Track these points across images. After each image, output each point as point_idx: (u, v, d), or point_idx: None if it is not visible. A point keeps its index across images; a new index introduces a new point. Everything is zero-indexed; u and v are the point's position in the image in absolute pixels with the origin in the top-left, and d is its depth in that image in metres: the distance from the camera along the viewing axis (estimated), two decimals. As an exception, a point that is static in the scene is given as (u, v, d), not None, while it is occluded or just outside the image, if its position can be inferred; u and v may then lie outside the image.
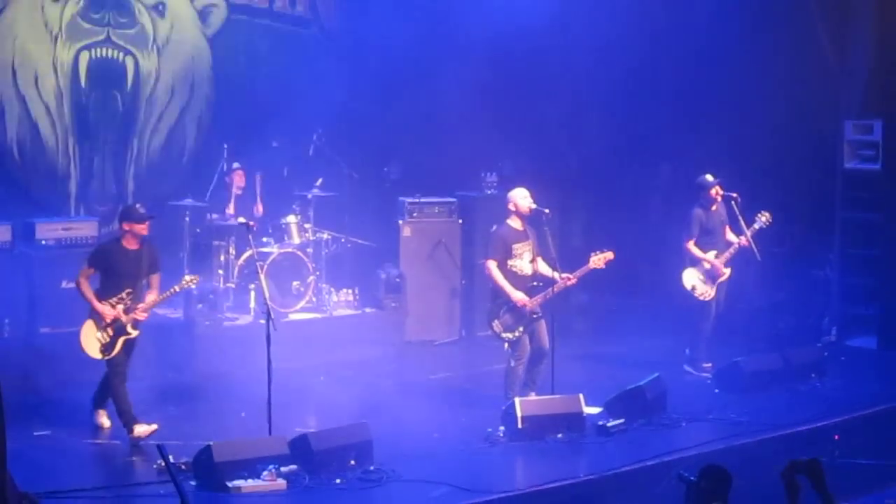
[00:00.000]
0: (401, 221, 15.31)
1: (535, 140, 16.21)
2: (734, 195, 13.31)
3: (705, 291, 13.38)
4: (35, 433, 10.91)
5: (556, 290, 11.57)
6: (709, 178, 13.38)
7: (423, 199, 15.39)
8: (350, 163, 15.30)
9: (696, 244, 13.37)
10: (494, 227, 12.24)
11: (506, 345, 11.77)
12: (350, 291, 14.81)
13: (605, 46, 15.47)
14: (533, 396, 11.51)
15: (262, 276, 11.29)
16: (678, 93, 15.89)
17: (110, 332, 10.86)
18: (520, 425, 10.86)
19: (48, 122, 14.20)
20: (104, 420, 11.22)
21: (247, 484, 9.42)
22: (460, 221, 15.52)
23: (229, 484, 9.41)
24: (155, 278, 11.06)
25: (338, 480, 9.68)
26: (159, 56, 14.87)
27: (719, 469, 6.82)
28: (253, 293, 13.72)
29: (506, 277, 11.61)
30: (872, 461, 10.70)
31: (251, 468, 9.53)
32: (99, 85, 14.53)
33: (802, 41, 15.46)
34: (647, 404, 11.51)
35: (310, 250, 14.35)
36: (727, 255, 13.36)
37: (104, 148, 14.64)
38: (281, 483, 9.51)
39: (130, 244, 10.91)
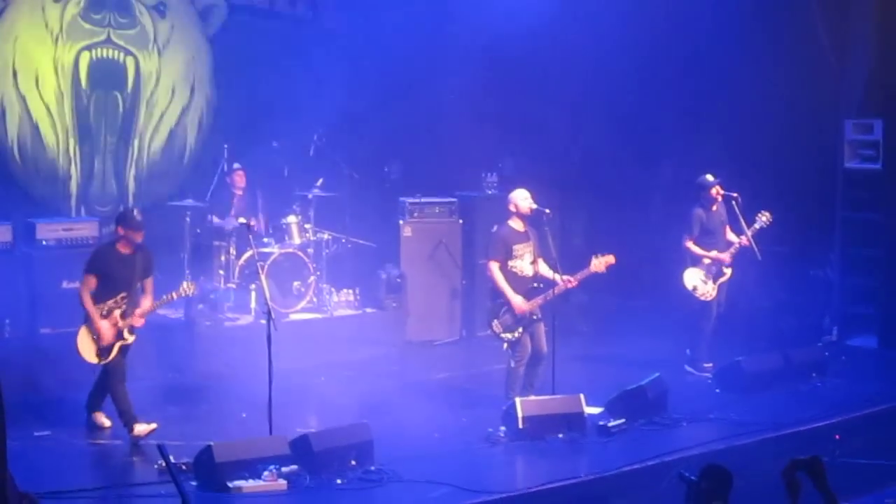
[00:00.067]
0: (401, 221, 15.31)
1: (536, 140, 16.21)
2: (735, 195, 13.31)
3: (706, 292, 13.38)
4: (36, 433, 10.91)
5: (556, 292, 11.57)
6: (709, 177, 13.38)
7: (423, 200, 15.40)
8: (351, 163, 15.30)
9: (697, 244, 13.37)
10: (495, 228, 12.24)
11: (504, 345, 11.77)
12: (351, 291, 14.82)
13: (605, 47, 15.47)
14: (533, 397, 11.50)
15: (262, 277, 11.31)
16: (679, 92, 15.88)
17: (114, 333, 10.89)
18: (521, 425, 10.86)
19: (49, 122, 14.21)
20: (104, 420, 11.23)
21: (248, 484, 9.42)
22: (461, 221, 15.52)
23: (230, 484, 9.40)
24: (149, 282, 11.11)
25: (339, 481, 9.68)
26: (160, 56, 14.88)
27: (720, 469, 6.82)
28: (254, 293, 13.72)
29: (506, 278, 11.61)
30: (873, 460, 10.70)
31: (252, 468, 9.53)
32: (100, 85, 14.53)
33: (803, 41, 15.45)
34: (648, 404, 11.51)
35: (310, 250, 14.35)
36: (728, 254, 13.36)
37: (105, 148, 14.64)
38: (282, 483, 9.51)
39: (125, 248, 10.95)
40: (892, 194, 15.05)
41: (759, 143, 15.52)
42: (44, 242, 13.12)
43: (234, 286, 13.97)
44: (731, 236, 13.49)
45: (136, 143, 14.83)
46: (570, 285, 11.70)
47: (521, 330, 11.63)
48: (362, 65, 15.84)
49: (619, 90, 15.92)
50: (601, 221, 16.45)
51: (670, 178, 15.82)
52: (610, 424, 11.13)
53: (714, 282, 13.39)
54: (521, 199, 11.74)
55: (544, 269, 11.77)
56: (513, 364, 11.76)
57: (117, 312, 10.89)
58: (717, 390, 12.84)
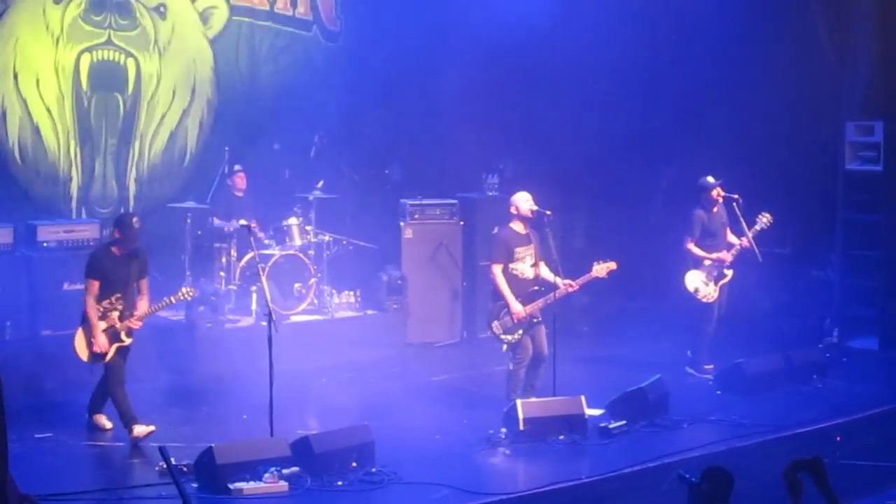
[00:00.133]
0: (402, 223, 15.31)
1: (537, 141, 16.22)
2: (735, 196, 13.31)
3: (708, 293, 13.38)
4: (37, 435, 10.90)
5: (557, 295, 11.57)
6: (710, 179, 13.38)
7: (424, 201, 15.40)
8: (351, 165, 15.31)
9: (698, 246, 13.37)
10: (496, 229, 12.25)
11: (504, 346, 11.78)
12: (351, 293, 14.82)
13: (606, 49, 15.48)
14: (534, 399, 11.50)
15: (263, 279, 11.31)
16: (680, 94, 15.89)
17: (108, 340, 10.91)
18: (521, 427, 10.86)
19: (49, 124, 14.20)
20: (105, 422, 11.23)
21: (248, 486, 9.42)
22: (462, 223, 15.52)
23: (231, 486, 9.40)
24: (144, 283, 11.15)
25: (340, 482, 9.68)
26: (161, 58, 14.86)
27: (721, 471, 6.82)
28: (254, 295, 13.71)
29: (508, 281, 11.61)
30: (874, 462, 10.71)
31: (253, 470, 9.53)
32: (100, 87, 14.51)
33: (804, 42, 15.47)
34: (649, 406, 11.51)
35: (311, 252, 14.34)
36: (730, 255, 13.37)
37: (106, 150, 14.62)
38: (283, 485, 9.50)
39: (120, 250, 10.96)
40: (893, 196, 15.05)
41: (760, 144, 15.52)
42: (44, 244, 13.12)
43: (234, 288, 13.96)
44: (731, 238, 13.50)
45: (136, 144, 14.81)
46: (570, 289, 11.70)
47: (521, 332, 11.63)
48: (363, 67, 15.85)
49: (620, 92, 15.93)
50: (602, 223, 16.45)
51: (671, 180, 15.82)
52: (611, 426, 11.13)
53: (715, 283, 13.38)
54: (523, 201, 11.74)
55: (545, 272, 11.77)
56: (513, 366, 11.76)
57: (114, 314, 10.91)
58: (718, 392, 12.84)
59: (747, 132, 15.61)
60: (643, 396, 11.52)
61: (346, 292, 14.78)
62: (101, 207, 14.48)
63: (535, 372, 11.77)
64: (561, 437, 10.92)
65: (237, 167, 14.46)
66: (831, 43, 15.44)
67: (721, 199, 13.38)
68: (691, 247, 13.37)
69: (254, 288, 13.64)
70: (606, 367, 13.92)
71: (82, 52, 14.33)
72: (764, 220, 13.37)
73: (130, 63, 14.67)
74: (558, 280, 11.59)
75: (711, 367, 13.43)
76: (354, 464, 9.92)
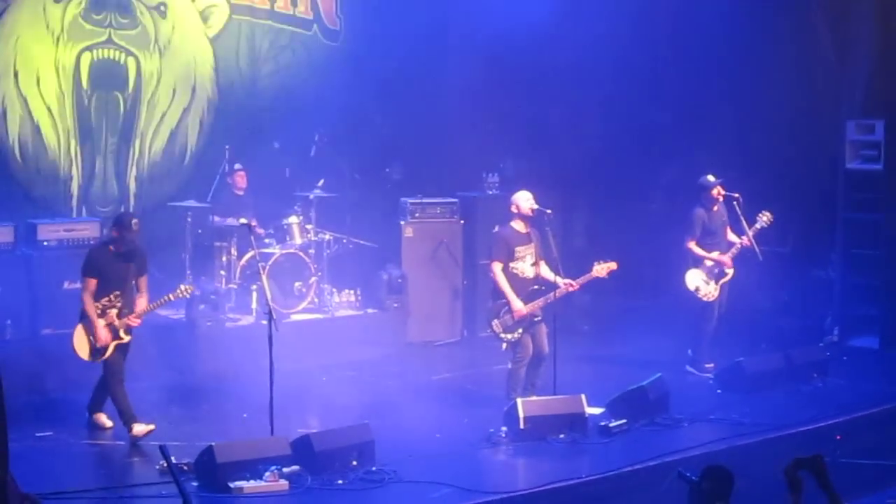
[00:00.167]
0: (402, 222, 15.31)
1: (537, 140, 16.23)
2: (736, 195, 13.31)
3: (709, 292, 13.37)
4: (37, 434, 10.91)
5: (557, 295, 11.57)
6: (710, 178, 13.38)
7: (424, 200, 15.40)
8: (352, 163, 15.32)
9: (698, 245, 13.37)
10: (497, 228, 12.24)
11: (503, 345, 11.78)
12: (352, 292, 14.82)
13: (606, 48, 15.47)
14: (535, 397, 11.49)
15: (263, 277, 11.31)
16: (680, 93, 15.88)
17: (110, 335, 10.91)
18: (522, 426, 10.86)
19: (50, 123, 14.20)
20: (105, 421, 11.24)
21: (249, 485, 9.42)
22: (462, 222, 15.52)
23: (231, 485, 9.40)
24: (143, 280, 11.15)
25: (340, 481, 9.67)
26: (161, 57, 14.86)
27: (721, 469, 6.82)
28: (255, 294, 13.72)
29: (508, 280, 11.61)
30: (874, 461, 10.71)
31: (253, 469, 9.53)
32: (101, 86, 14.51)
33: (804, 41, 15.47)
34: (650, 405, 11.51)
35: (312, 251, 14.35)
36: (730, 255, 13.37)
37: (106, 149, 14.62)
38: (283, 484, 9.50)
39: (118, 248, 10.95)
40: (894, 195, 15.05)
41: (761, 143, 15.52)
42: (45, 243, 13.11)
43: (235, 287, 13.97)
44: (732, 237, 13.49)
45: (137, 143, 14.81)
46: (571, 289, 11.70)
47: (520, 331, 11.63)
48: (363, 65, 15.84)
49: (621, 91, 15.92)
50: (603, 222, 16.45)
51: (672, 179, 15.82)
52: (611, 425, 11.12)
53: (716, 282, 13.38)
54: (523, 200, 11.74)
55: (545, 272, 11.77)
56: (513, 365, 11.76)
57: (113, 312, 10.92)
58: (719, 391, 12.84)
59: (748, 131, 15.61)
60: (644, 395, 11.51)
61: (347, 291, 14.79)
62: (102, 206, 14.48)
63: (535, 371, 11.77)
64: (561, 436, 10.92)
65: (237, 166, 14.46)
66: (832, 41, 15.43)
67: (721, 198, 13.38)
68: (692, 246, 13.36)
69: (254, 287, 13.65)
70: (607, 365, 13.92)
71: (83, 50, 14.33)
72: (764, 218, 13.37)
73: (131, 62, 14.67)
74: (558, 279, 11.59)
75: (712, 365, 13.42)
76: (355, 462, 9.92)
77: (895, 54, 15.07)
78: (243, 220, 12.49)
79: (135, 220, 11.00)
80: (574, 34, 15.50)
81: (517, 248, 11.68)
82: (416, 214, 15.33)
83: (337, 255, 14.84)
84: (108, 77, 14.54)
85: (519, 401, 11.03)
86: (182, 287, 11.47)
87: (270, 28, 15.69)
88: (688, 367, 13.59)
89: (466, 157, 15.83)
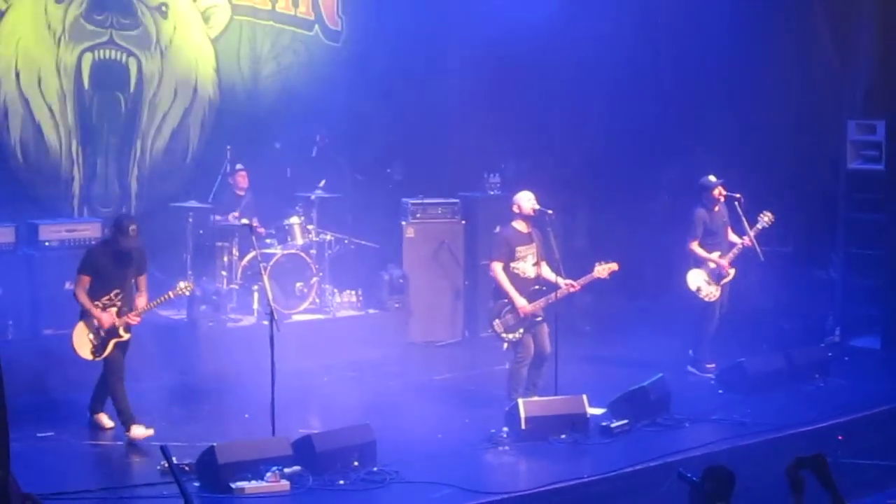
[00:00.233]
0: (404, 222, 15.31)
1: (539, 141, 16.23)
2: (737, 196, 13.31)
3: (710, 292, 13.37)
4: (38, 434, 10.92)
5: (558, 295, 11.57)
6: (711, 178, 13.38)
7: (426, 200, 15.40)
8: (353, 164, 15.33)
9: (700, 245, 13.36)
10: (498, 228, 12.26)
11: (504, 345, 11.78)
12: (353, 292, 14.82)
13: (607, 48, 15.47)
14: (536, 398, 11.49)
15: (265, 278, 11.31)
16: (682, 94, 15.89)
17: (102, 334, 10.93)
18: (523, 426, 10.86)
19: (51, 123, 14.20)
20: (106, 421, 11.24)
21: (250, 485, 9.42)
22: (463, 222, 15.52)
23: (233, 485, 9.41)
24: (143, 279, 11.15)
25: (341, 481, 9.68)
26: (162, 57, 14.86)
27: (723, 470, 6.82)
28: (256, 294, 13.72)
29: (509, 280, 11.61)
30: (876, 461, 10.71)
31: (255, 469, 9.54)
32: (102, 86, 14.51)
33: (805, 42, 15.47)
34: (651, 405, 11.51)
35: (313, 251, 14.35)
36: (731, 255, 13.37)
37: (107, 149, 14.62)
38: (284, 484, 9.51)
39: (118, 247, 10.94)
40: (895, 195, 15.04)
41: (762, 143, 15.52)
42: (46, 243, 13.12)
43: (236, 287, 13.97)
44: (733, 237, 13.49)
45: (138, 143, 14.81)
46: (572, 290, 11.70)
47: (522, 331, 11.63)
48: (365, 65, 15.85)
49: (622, 92, 15.92)
50: (604, 222, 16.44)
51: (673, 179, 15.82)
52: (613, 425, 11.13)
53: (717, 283, 13.38)
54: (525, 200, 11.74)
55: (547, 272, 11.77)
56: (514, 365, 11.77)
57: (113, 310, 10.93)
58: (720, 391, 12.85)
59: (749, 131, 15.60)
60: (645, 395, 11.52)
61: (348, 291, 14.78)
62: (103, 206, 14.47)
63: (537, 371, 11.77)
64: (563, 437, 10.92)
65: (239, 166, 14.47)
66: (833, 42, 15.43)
67: (723, 199, 13.38)
68: (694, 247, 13.36)
69: (255, 287, 13.65)
70: (608, 366, 13.92)
71: (84, 51, 14.33)
72: (765, 219, 13.37)
73: (132, 62, 14.67)
74: (560, 280, 11.59)
75: (713, 366, 13.43)
76: (356, 463, 9.93)
77: (896, 54, 15.10)
78: (245, 221, 12.50)
79: (132, 227, 10.92)
80: (575, 35, 15.50)
81: (518, 249, 11.68)
82: (418, 215, 15.33)
83: (338, 255, 14.84)
84: (109, 77, 14.54)
85: (520, 401, 11.03)
86: (182, 284, 11.46)
87: (272, 28, 15.69)
88: (689, 367, 13.59)
89: (468, 157, 15.82)
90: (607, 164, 16.26)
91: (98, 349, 10.94)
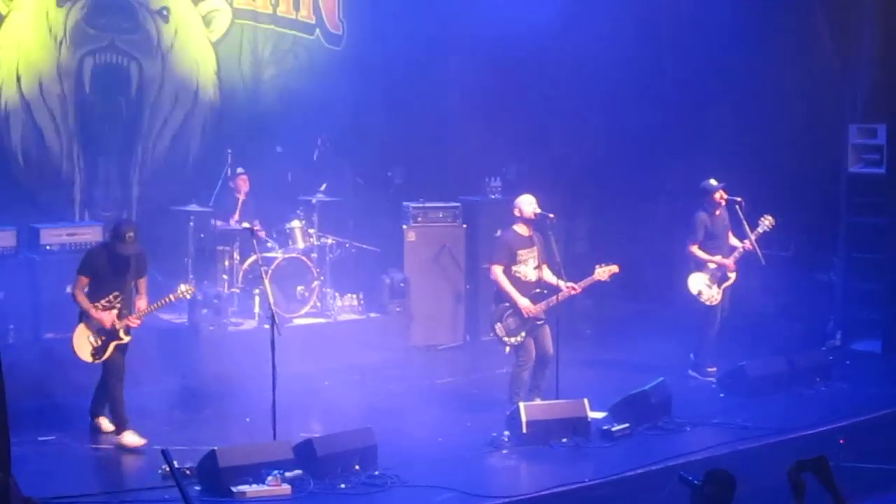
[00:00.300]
0: (405, 226, 15.30)
1: (539, 144, 16.23)
2: (738, 199, 13.30)
3: (711, 296, 13.37)
4: (40, 438, 10.91)
5: (559, 298, 11.57)
6: (712, 182, 13.38)
7: (427, 204, 15.40)
8: (354, 168, 15.32)
9: (701, 248, 13.36)
10: (499, 232, 12.26)
11: (507, 348, 11.78)
12: (354, 296, 14.81)
13: (609, 51, 15.47)
14: (538, 401, 11.49)
15: (266, 282, 11.30)
16: (682, 98, 15.89)
17: (102, 336, 10.93)
18: (524, 430, 10.86)
19: (52, 127, 14.20)
20: (107, 425, 11.23)
21: (251, 489, 9.42)
22: (464, 226, 15.52)
23: (234, 489, 9.41)
24: (142, 282, 11.13)
25: (342, 485, 9.68)
26: (163, 61, 14.87)
27: (724, 474, 6.82)
28: (257, 298, 13.71)
29: (510, 283, 11.62)
30: (877, 465, 10.70)
31: (256, 473, 9.53)
32: (103, 90, 14.51)
33: (807, 45, 15.47)
34: (652, 409, 11.51)
35: (314, 255, 14.35)
36: (732, 258, 13.36)
37: (108, 153, 14.63)
38: (285, 488, 9.51)
39: (121, 250, 10.92)
40: (896, 198, 15.07)
41: (763, 147, 15.52)
42: (48, 247, 13.12)
43: (237, 291, 13.97)
44: (734, 241, 13.49)
45: (139, 147, 14.82)
46: (573, 293, 11.70)
47: (524, 334, 11.63)
48: (366, 70, 15.86)
49: (623, 95, 15.93)
50: (605, 226, 16.45)
51: (674, 183, 15.83)
52: (614, 429, 11.13)
53: (718, 286, 13.38)
54: (526, 204, 11.75)
55: (548, 275, 11.77)
56: (516, 369, 11.77)
57: (113, 312, 10.91)
58: (721, 395, 12.85)
59: (750, 135, 15.61)
60: (646, 399, 11.51)
61: (349, 295, 14.78)
62: (104, 210, 14.47)
63: (540, 373, 11.78)
64: (564, 440, 10.92)
65: (240, 170, 14.46)
66: (834, 45, 15.43)
67: (724, 202, 13.37)
68: (694, 250, 13.36)
69: (257, 291, 13.65)
70: (609, 369, 13.92)
71: (85, 55, 14.34)
72: (766, 222, 13.36)
73: (133, 66, 14.68)
74: (560, 283, 11.59)
75: (714, 369, 13.42)
76: (357, 467, 9.93)
77: (898, 58, 15.10)
78: (246, 224, 12.50)
79: (129, 234, 10.87)
80: (576, 39, 15.52)
81: (519, 252, 11.68)
82: (419, 218, 15.33)
83: (339, 259, 14.84)
84: (110, 81, 14.55)
85: (521, 405, 11.03)
86: (182, 287, 11.45)
87: (273, 32, 15.70)
88: (690, 371, 13.59)
89: (469, 161, 15.83)
90: (608, 168, 16.27)
91: (98, 351, 10.93)
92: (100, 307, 10.89)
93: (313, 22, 15.99)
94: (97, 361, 10.98)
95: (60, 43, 14.16)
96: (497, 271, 11.67)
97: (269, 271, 13.25)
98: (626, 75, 15.84)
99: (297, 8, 15.81)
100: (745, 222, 13.30)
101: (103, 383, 11.12)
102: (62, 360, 11.60)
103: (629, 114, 15.90)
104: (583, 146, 16.25)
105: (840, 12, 15.38)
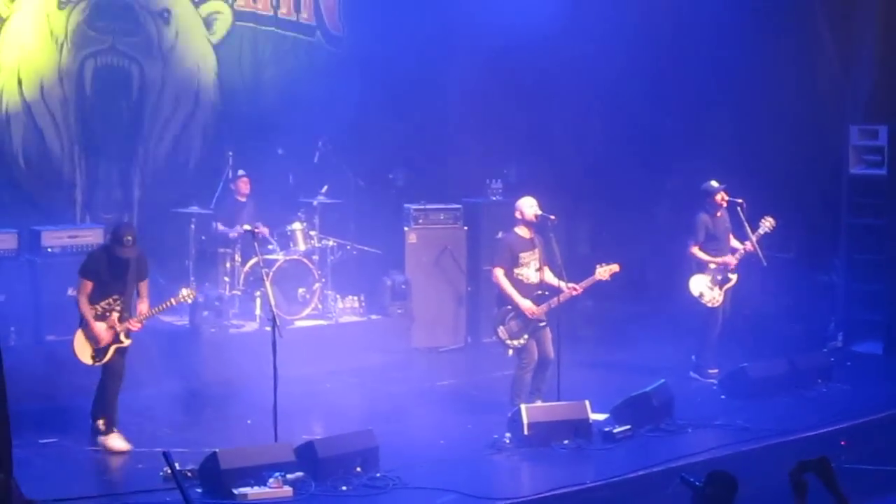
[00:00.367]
0: (406, 228, 15.30)
1: (541, 146, 16.23)
2: (739, 201, 13.30)
3: (713, 298, 13.37)
4: (41, 440, 10.91)
5: (561, 299, 11.57)
6: (714, 183, 13.38)
7: (428, 206, 15.39)
8: (355, 170, 15.32)
9: (702, 250, 13.36)
10: (501, 234, 12.26)
11: (510, 351, 11.78)
12: (356, 298, 14.82)
13: (610, 54, 15.48)
14: (539, 403, 11.49)
15: (267, 284, 11.30)
16: (684, 99, 15.90)
17: (110, 334, 10.90)
18: (526, 432, 10.85)
19: (53, 129, 14.21)
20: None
21: (253, 491, 9.42)
22: (465, 228, 15.52)
23: (235, 491, 9.40)
24: (144, 285, 11.10)
25: (344, 487, 9.67)
26: (164, 64, 14.88)
27: (725, 475, 6.82)
28: (259, 300, 13.72)
29: (512, 285, 11.62)
30: (879, 466, 10.70)
31: (257, 475, 9.53)
32: (104, 93, 14.52)
33: (808, 47, 15.48)
34: (654, 410, 11.50)
35: (315, 257, 14.35)
36: (734, 259, 13.37)
37: (109, 155, 14.63)
38: (287, 490, 9.50)
39: (120, 254, 10.92)
40: (897, 200, 15.07)
41: (764, 148, 15.52)
42: (49, 250, 13.13)
43: (239, 293, 13.97)
44: (735, 243, 13.48)
45: (140, 150, 14.83)
46: (574, 293, 11.70)
47: (526, 336, 11.63)
48: (367, 72, 15.85)
49: (624, 97, 15.92)
50: (606, 228, 16.45)
51: (675, 185, 15.83)
52: (615, 431, 11.12)
53: (720, 288, 13.37)
54: (528, 206, 11.74)
55: (549, 277, 11.77)
56: (518, 371, 11.76)
57: (114, 315, 10.90)
58: (723, 396, 12.85)
59: (751, 136, 15.62)
60: (648, 401, 11.51)
61: (350, 297, 14.79)
62: (106, 212, 14.47)
63: (541, 375, 11.77)
64: (565, 442, 10.91)
65: (241, 172, 14.47)
66: (835, 47, 15.44)
67: (725, 204, 13.37)
68: (695, 251, 13.36)
69: (258, 293, 13.65)
70: (611, 371, 13.91)
71: (86, 57, 14.34)
72: (767, 224, 13.36)
73: (134, 68, 14.69)
74: (562, 284, 11.59)
75: (716, 371, 13.42)
76: (359, 469, 9.92)
77: (899, 59, 15.10)
78: (247, 227, 12.49)
79: (128, 237, 10.81)
80: (577, 41, 15.53)
81: (521, 255, 11.68)
82: (420, 220, 15.33)
83: (340, 261, 14.85)
84: (111, 84, 14.56)
85: (523, 407, 11.03)
86: (184, 292, 11.43)
87: (274, 34, 15.70)
88: (692, 372, 13.58)
89: (470, 163, 15.83)
90: (609, 170, 16.26)
91: (98, 354, 10.92)
92: (99, 310, 10.87)
93: (314, 24, 16.00)
94: (97, 364, 10.97)
95: (61, 45, 14.17)
96: (499, 274, 11.66)
97: (271, 273, 13.25)
98: (627, 77, 15.84)
99: (297, 10, 15.81)
100: (746, 224, 13.30)
101: (103, 386, 11.10)
102: (63, 362, 11.60)
103: (630, 115, 15.91)
104: (584, 148, 16.26)
105: (841, 13, 15.39)
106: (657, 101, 15.93)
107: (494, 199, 15.68)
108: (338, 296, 14.60)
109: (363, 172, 15.48)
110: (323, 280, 14.35)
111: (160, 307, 11.15)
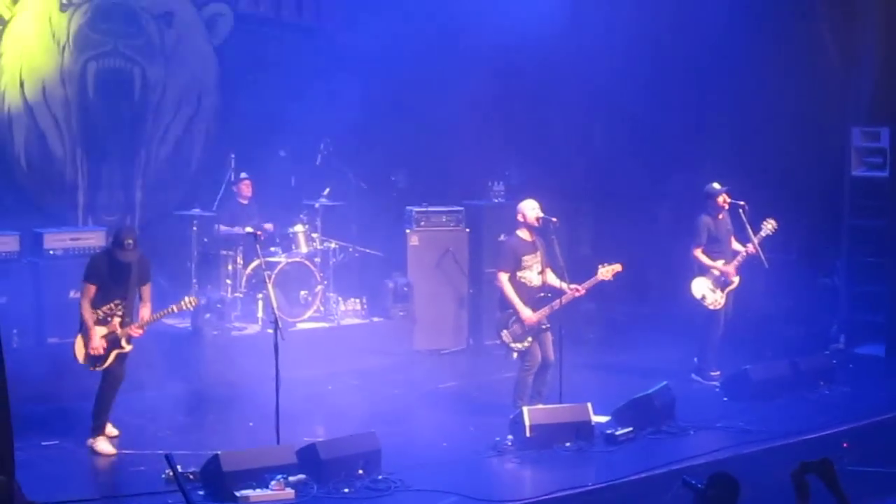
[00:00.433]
0: (408, 230, 15.30)
1: (543, 149, 16.22)
2: (742, 203, 13.29)
3: (715, 300, 13.36)
4: (43, 443, 10.91)
5: (563, 301, 11.57)
6: (716, 185, 13.38)
7: (430, 208, 15.40)
8: (357, 172, 15.32)
9: (704, 252, 13.35)
10: (503, 237, 12.26)
11: (514, 354, 11.78)
12: (358, 300, 14.83)
13: (612, 56, 15.48)
14: (541, 406, 11.49)
15: (269, 286, 11.29)
16: (686, 101, 15.90)
17: (104, 344, 10.91)
18: (528, 434, 10.85)
19: (56, 132, 14.22)
20: (110, 429, 11.21)
21: (255, 493, 9.41)
22: (468, 230, 15.51)
23: (237, 493, 9.40)
24: (146, 289, 11.09)
25: (346, 490, 9.67)
26: (166, 66, 14.89)
27: (727, 477, 6.82)
28: (261, 303, 13.73)
29: (515, 289, 11.62)
30: (881, 468, 10.69)
31: (259, 478, 9.53)
32: (106, 95, 14.54)
33: (810, 49, 15.46)
34: (656, 413, 11.50)
35: (317, 259, 14.36)
36: (735, 263, 13.36)
37: (112, 158, 14.65)
38: (289, 492, 9.50)
39: (121, 257, 10.91)
40: (899, 202, 15.06)
41: (767, 150, 15.52)
42: (51, 252, 13.14)
43: (241, 295, 13.97)
44: (736, 245, 13.48)
45: (143, 152, 14.84)
46: (577, 294, 11.70)
47: (530, 339, 11.63)
48: (369, 74, 15.84)
49: (627, 99, 15.91)
50: (608, 230, 16.43)
51: (677, 187, 15.82)
52: (617, 433, 11.12)
53: (722, 290, 13.37)
54: (530, 209, 11.74)
55: (552, 279, 11.77)
56: (521, 373, 11.76)
57: (116, 320, 10.90)
58: (725, 398, 12.84)
59: (753, 138, 15.61)
60: (649, 403, 11.51)
61: (353, 299, 14.80)
62: (108, 215, 14.49)
63: (542, 378, 11.77)
64: (567, 444, 10.91)
65: (243, 174, 14.48)
66: (837, 49, 15.43)
67: (727, 206, 13.36)
68: (698, 254, 13.35)
69: (260, 295, 13.67)
70: (613, 373, 13.91)
71: (88, 60, 14.36)
72: (769, 226, 13.35)
73: (136, 71, 14.70)
74: (564, 285, 11.59)
75: (718, 373, 13.41)
76: (361, 471, 9.92)
77: (901, 61, 15.10)
78: (249, 229, 12.50)
79: (129, 241, 10.78)
80: (580, 44, 15.53)
81: (524, 258, 11.68)
82: (422, 223, 15.33)
83: (343, 263, 14.86)
84: (113, 86, 14.58)
85: (525, 409, 11.02)
86: (186, 299, 11.41)
87: (276, 36, 15.71)
88: (693, 375, 13.58)
89: (472, 165, 15.83)
90: (611, 172, 16.26)
91: (99, 359, 10.92)
92: (101, 314, 10.87)
93: (316, 26, 16.00)
94: (98, 369, 10.96)
95: (63, 48, 14.19)
96: (503, 279, 11.66)
97: (273, 276, 13.24)
98: (628, 79, 15.82)
99: (299, 12, 15.81)
100: (748, 226, 13.29)
101: (100, 389, 11.08)
102: (65, 364, 11.59)
103: (632, 118, 15.91)
104: (586, 150, 16.26)
105: (843, 15, 15.39)
106: (659, 104, 15.92)
107: (496, 201, 15.67)
108: (340, 298, 14.60)
109: (365, 174, 15.48)
110: (325, 282, 14.35)
111: (162, 313, 11.13)
